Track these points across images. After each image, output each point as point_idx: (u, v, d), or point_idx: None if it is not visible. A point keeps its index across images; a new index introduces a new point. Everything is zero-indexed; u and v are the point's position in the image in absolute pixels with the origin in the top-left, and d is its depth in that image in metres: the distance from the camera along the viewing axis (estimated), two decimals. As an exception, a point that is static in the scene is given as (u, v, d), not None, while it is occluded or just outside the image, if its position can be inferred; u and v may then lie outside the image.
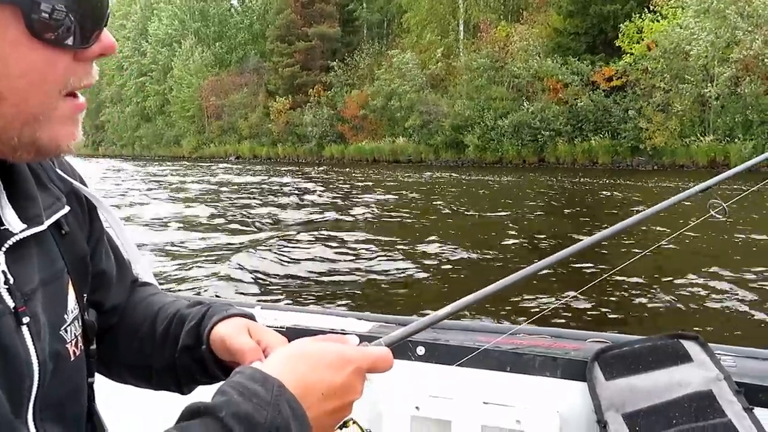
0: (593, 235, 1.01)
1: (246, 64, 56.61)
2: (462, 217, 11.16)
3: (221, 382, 0.56)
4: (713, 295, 5.26)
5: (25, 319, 0.60)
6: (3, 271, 0.59)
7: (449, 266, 6.82)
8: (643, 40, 27.72)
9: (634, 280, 5.78)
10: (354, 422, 0.99)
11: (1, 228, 0.61)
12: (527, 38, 32.93)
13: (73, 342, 0.69)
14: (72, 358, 0.68)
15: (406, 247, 7.80)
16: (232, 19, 63.25)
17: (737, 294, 5.22)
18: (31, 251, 0.65)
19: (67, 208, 0.72)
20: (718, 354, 1.24)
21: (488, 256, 7.32)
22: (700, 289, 5.48)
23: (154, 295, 0.90)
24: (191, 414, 0.53)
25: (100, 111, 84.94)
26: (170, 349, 0.81)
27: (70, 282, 0.71)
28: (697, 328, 4.48)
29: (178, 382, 0.83)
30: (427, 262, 6.94)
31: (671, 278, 5.85)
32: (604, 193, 15.92)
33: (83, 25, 0.55)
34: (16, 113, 0.54)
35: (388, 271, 6.43)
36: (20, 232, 0.62)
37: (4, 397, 0.55)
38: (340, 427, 0.67)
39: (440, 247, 7.75)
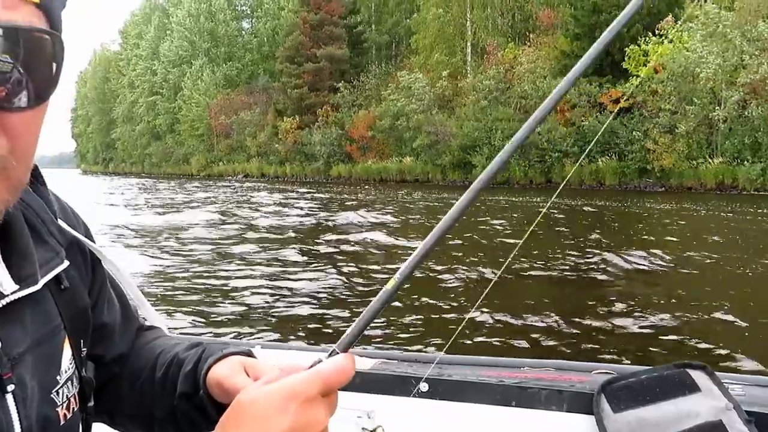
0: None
1: (255, 84, 57.33)
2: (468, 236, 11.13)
3: None
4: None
5: (10, 387, 0.58)
6: None
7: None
8: (648, 63, 27.86)
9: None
10: None
11: None
12: (534, 60, 33.17)
13: (65, 405, 0.67)
14: (62, 422, 0.66)
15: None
16: (242, 40, 64.23)
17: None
18: (24, 311, 0.62)
19: (66, 263, 0.69)
20: (726, 383, 1.22)
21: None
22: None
23: (157, 339, 0.88)
24: None
25: (111, 129, 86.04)
26: (169, 397, 0.78)
27: (66, 339, 0.69)
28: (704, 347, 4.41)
29: (180, 430, 0.80)
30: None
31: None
32: (610, 214, 15.85)
33: None
34: None
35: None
36: (12, 293, 0.60)
37: None
38: None
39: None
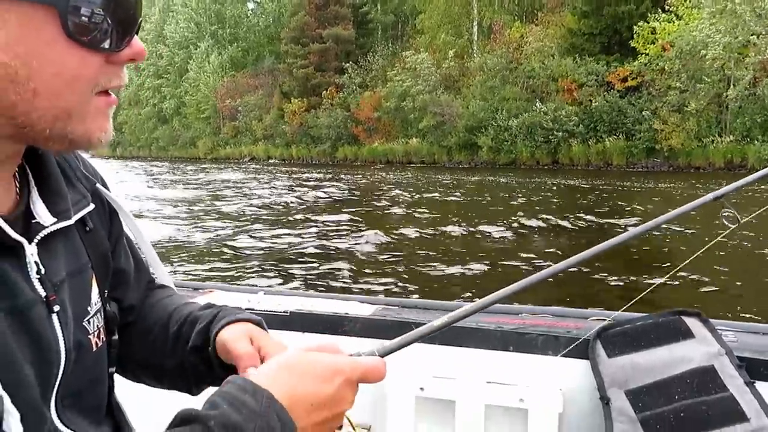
0: (595, 246, 0.95)
1: (261, 66, 56.99)
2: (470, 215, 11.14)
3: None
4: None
5: (56, 308, 0.63)
6: (36, 262, 0.62)
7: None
8: (657, 41, 27.46)
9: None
10: (355, 426, 0.97)
11: (33, 221, 0.64)
12: (542, 39, 32.78)
13: (96, 333, 0.72)
14: (94, 349, 0.71)
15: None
16: (247, 21, 63.72)
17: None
18: (59, 244, 0.68)
19: (92, 206, 0.75)
20: (720, 329, 1.25)
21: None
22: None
23: (169, 297, 0.93)
24: (182, 420, 0.54)
25: (117, 113, 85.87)
26: (181, 349, 0.83)
27: (93, 276, 0.74)
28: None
29: (188, 381, 0.85)
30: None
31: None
32: (620, 195, 15.78)
33: (117, 30, 0.58)
34: (49, 107, 0.56)
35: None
36: (50, 225, 0.65)
37: (35, 382, 0.58)
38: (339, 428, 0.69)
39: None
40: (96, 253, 0.75)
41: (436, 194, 15.98)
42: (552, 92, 31.87)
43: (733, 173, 23.91)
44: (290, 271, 6.16)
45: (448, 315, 0.74)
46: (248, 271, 6.27)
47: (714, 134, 26.43)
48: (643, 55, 27.97)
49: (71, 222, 0.69)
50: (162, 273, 0.97)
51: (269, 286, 4.43)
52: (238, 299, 1.59)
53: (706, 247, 1.36)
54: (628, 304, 1.30)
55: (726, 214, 1.12)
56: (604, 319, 1.34)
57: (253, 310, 1.51)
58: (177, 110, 67.08)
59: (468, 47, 39.47)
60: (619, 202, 13.56)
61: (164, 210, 12.48)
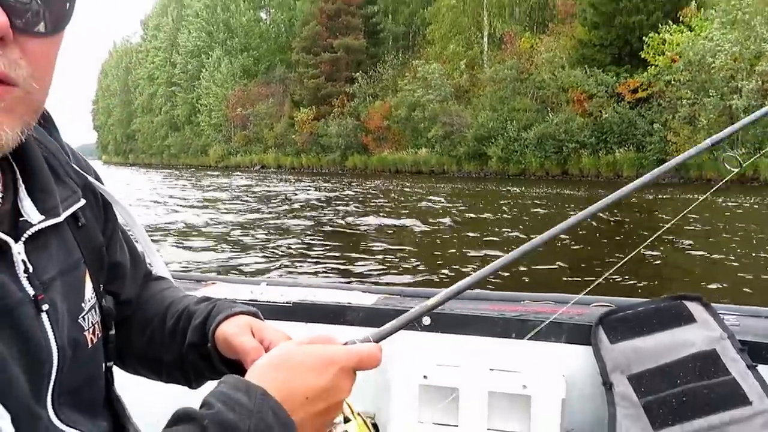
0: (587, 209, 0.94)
1: (272, 75, 57.46)
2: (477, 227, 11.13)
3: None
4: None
5: (45, 307, 0.62)
6: (23, 261, 0.61)
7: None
8: (666, 52, 27.41)
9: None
10: (357, 414, 0.97)
11: (21, 219, 0.63)
12: (552, 49, 32.82)
13: (91, 330, 0.71)
14: (89, 345, 0.70)
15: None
16: (258, 30, 64.34)
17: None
18: (50, 242, 0.67)
19: (83, 201, 0.74)
20: (721, 314, 1.25)
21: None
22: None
23: (166, 290, 0.92)
24: (177, 420, 0.55)
25: (131, 120, 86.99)
26: (179, 345, 0.83)
27: (87, 272, 0.73)
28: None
29: (187, 376, 0.84)
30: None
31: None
32: (631, 205, 15.70)
33: None
34: None
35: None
36: (38, 222, 0.64)
37: (25, 382, 0.57)
38: (345, 421, 0.69)
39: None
40: (89, 248, 0.74)
41: (461, 204, 16.00)
42: (562, 103, 31.86)
43: (745, 186, 23.73)
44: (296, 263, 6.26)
45: (443, 292, 0.75)
46: (252, 264, 6.35)
47: (725, 146, 26.22)
48: (653, 67, 27.91)
49: (60, 219, 0.68)
50: (159, 264, 0.96)
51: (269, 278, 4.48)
52: (240, 290, 1.60)
53: (715, 188, 1.36)
54: (616, 267, 1.30)
55: (728, 155, 1.11)
56: (606, 305, 1.35)
57: (255, 301, 1.52)
58: (189, 118, 67.74)
59: (478, 58, 39.59)
60: (635, 212, 13.53)
61: (171, 205, 12.63)
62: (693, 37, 26.45)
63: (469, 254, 7.60)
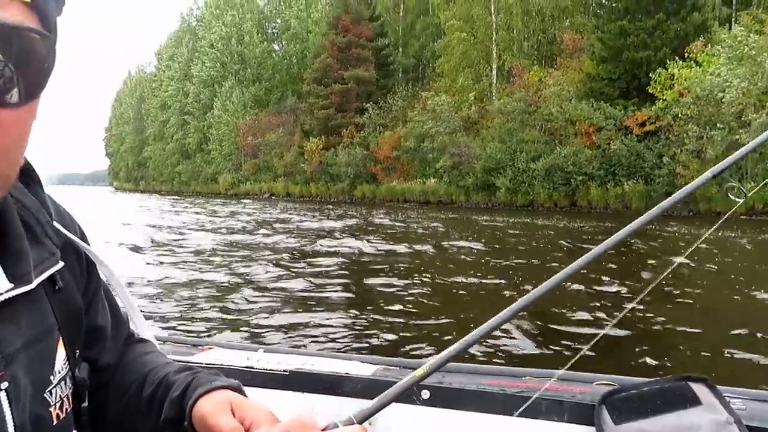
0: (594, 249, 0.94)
1: (283, 105, 58.33)
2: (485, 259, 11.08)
3: None
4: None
5: (3, 384, 0.58)
6: None
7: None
8: (674, 86, 27.59)
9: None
10: None
11: None
12: (560, 83, 33.14)
13: (58, 405, 0.67)
14: (55, 422, 0.66)
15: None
16: (271, 62, 65.56)
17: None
18: (18, 311, 0.63)
19: (60, 264, 0.70)
20: (727, 397, 1.23)
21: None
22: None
23: (147, 354, 0.87)
24: None
25: (143, 148, 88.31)
26: (155, 416, 0.77)
27: (60, 339, 0.69)
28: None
29: None
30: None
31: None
32: (640, 238, 15.60)
33: None
34: None
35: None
36: (6, 291, 0.61)
37: None
38: None
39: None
40: (66, 313, 0.70)
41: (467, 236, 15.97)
42: (570, 135, 32.00)
43: (754, 219, 23.55)
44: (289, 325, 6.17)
45: (428, 363, 0.71)
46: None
47: (727, 176, 26.10)
48: (661, 101, 28.08)
49: (32, 286, 0.64)
50: (142, 326, 0.93)
51: (269, 344, 4.45)
52: (237, 357, 1.58)
53: (721, 221, 1.34)
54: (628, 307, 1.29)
55: (730, 185, 1.10)
56: (610, 384, 1.33)
57: (252, 368, 1.50)
58: (200, 146, 68.66)
59: (487, 90, 40.02)
60: (647, 244, 13.41)
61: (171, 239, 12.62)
62: (701, 72, 26.61)
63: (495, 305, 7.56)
